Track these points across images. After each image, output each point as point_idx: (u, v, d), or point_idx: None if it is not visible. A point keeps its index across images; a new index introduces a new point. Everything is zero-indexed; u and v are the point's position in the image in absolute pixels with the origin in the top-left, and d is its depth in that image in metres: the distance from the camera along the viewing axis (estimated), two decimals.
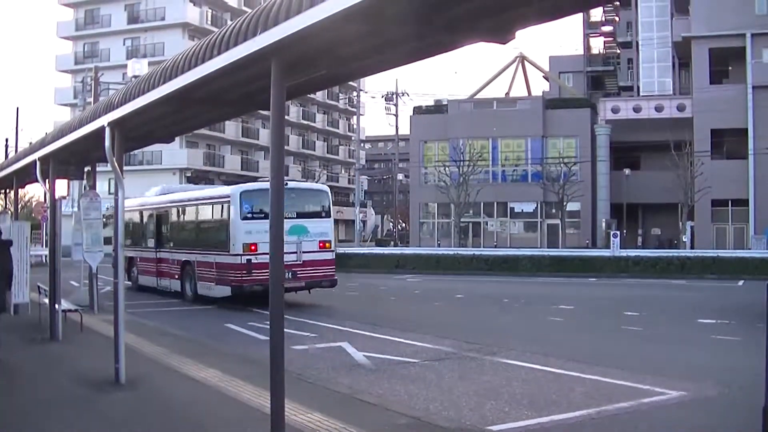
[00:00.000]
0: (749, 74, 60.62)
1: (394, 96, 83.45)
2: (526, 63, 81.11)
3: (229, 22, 8.75)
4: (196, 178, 78.43)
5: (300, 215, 26.02)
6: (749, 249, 53.51)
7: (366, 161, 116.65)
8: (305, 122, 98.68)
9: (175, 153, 76.21)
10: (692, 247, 56.27)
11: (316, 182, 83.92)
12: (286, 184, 25.97)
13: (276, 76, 7.08)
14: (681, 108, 65.44)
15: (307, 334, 18.10)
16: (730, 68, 65.79)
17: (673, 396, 11.24)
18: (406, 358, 14.93)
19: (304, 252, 25.59)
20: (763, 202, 56.97)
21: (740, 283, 33.45)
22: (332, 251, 27.15)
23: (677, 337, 18.35)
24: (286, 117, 55.00)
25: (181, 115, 11.65)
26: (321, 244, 26.37)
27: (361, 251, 54.05)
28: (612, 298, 28.68)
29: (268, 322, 7.53)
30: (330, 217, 27.50)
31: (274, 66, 7.08)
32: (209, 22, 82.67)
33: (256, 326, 19.53)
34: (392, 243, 76.09)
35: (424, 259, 46.65)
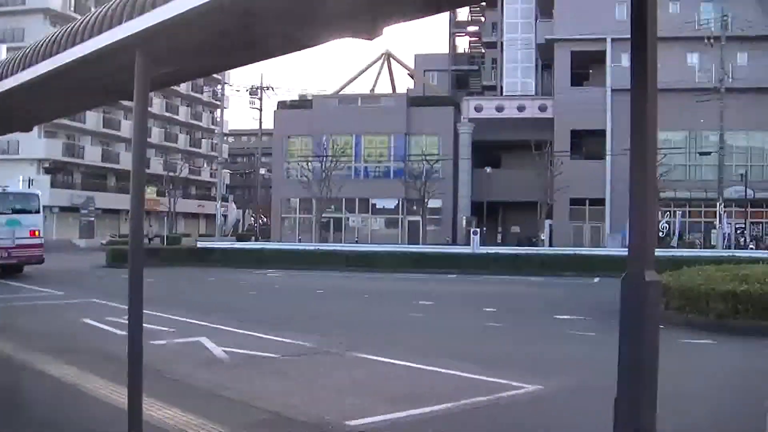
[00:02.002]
0: (609, 77, 62.48)
1: (259, 90, 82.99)
2: (392, 60, 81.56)
3: (93, 9, 8.55)
4: (55, 169, 76.56)
5: (15, 212, 35.39)
6: (605, 247, 55.15)
7: (229, 155, 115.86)
8: (168, 114, 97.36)
9: (33, 143, 73.88)
10: (550, 245, 57.82)
11: (178, 175, 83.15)
12: (5, 189, 37.17)
13: (140, 67, 6.95)
14: (542, 108, 66.99)
15: (166, 328, 17.81)
16: (590, 71, 67.77)
17: (529, 390, 11.46)
18: (266, 353, 14.85)
19: (17, 238, 34.33)
20: (619, 201, 58.57)
21: (596, 279, 34.27)
22: (41, 238, 36.10)
23: (535, 332, 18.70)
24: (149, 109, 54.20)
25: (40, 104, 11.34)
26: (31, 233, 35.16)
27: (222, 245, 53.54)
28: (472, 294, 29.08)
29: (126, 317, 7.40)
30: (39, 213, 36.72)
31: (139, 56, 6.94)
32: (72, 9, 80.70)
33: (113, 321, 19.10)
34: (253, 238, 75.65)
35: (285, 255, 46.41)
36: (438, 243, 61.14)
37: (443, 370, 13.01)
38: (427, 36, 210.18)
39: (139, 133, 7.29)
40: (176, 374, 12.28)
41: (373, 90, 79.65)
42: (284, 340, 16.53)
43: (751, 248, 52.72)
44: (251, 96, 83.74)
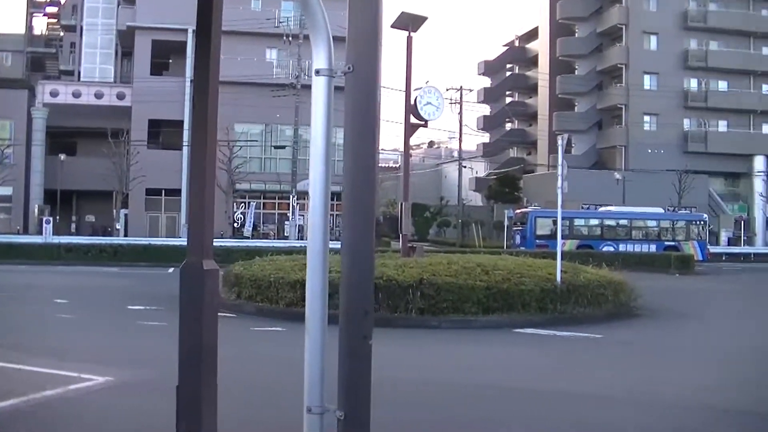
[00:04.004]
0: (188, 68, 63.00)
1: None
2: None
3: None
4: None
5: None
6: (180, 237, 55.58)
7: None
8: None
9: None
10: (126, 235, 57.47)
11: None
12: None
13: None
14: (120, 96, 66.42)
15: None
16: (171, 61, 68.17)
17: (99, 382, 11.40)
18: None
19: None
20: None
21: (171, 270, 34.44)
22: None
23: (107, 324, 18.55)
24: None
25: None
26: None
27: None
28: (43, 286, 28.21)
29: None
30: None
31: None
32: None
33: None
34: None
35: None
36: (8, 232, 58.70)
37: (9, 365, 12.61)
38: (2, 14, 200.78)
39: None
40: None
41: None
42: None
43: None
44: None
